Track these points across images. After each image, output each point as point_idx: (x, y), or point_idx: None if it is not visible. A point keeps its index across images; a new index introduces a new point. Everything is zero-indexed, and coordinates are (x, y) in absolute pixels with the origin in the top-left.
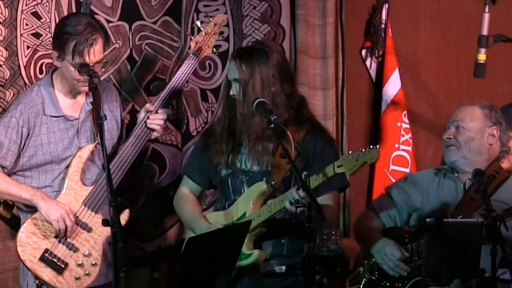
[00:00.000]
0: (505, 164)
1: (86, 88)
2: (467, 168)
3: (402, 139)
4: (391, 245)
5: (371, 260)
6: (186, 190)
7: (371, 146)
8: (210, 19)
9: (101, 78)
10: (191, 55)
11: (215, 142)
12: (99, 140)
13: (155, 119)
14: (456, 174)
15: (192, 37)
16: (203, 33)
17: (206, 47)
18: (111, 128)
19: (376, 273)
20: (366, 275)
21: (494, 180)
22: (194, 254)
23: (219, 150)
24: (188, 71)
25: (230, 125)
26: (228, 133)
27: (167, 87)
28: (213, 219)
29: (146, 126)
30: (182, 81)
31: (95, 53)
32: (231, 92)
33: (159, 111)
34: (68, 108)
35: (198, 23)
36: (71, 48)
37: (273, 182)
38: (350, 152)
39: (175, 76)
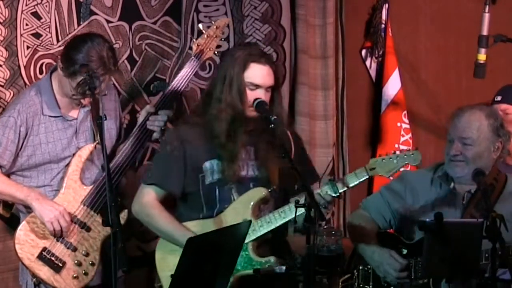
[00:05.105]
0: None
1: (79, 102)
2: (469, 181)
3: (402, 139)
4: (387, 259)
5: (365, 266)
6: (154, 199)
7: (408, 149)
8: (213, 22)
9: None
10: (193, 57)
11: (205, 147)
12: (99, 140)
13: (155, 120)
14: (452, 184)
15: (195, 40)
16: (205, 36)
17: (208, 49)
18: (110, 128)
19: (371, 283)
20: (360, 285)
21: (493, 191)
22: (194, 254)
23: (213, 156)
24: (190, 73)
25: (229, 130)
26: (225, 139)
27: (169, 89)
28: (200, 227)
29: (146, 127)
30: (183, 83)
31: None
32: (261, 98)
33: (160, 112)
34: (67, 108)
35: (200, 26)
36: (77, 80)
37: (273, 187)
38: (380, 155)
39: (177, 78)
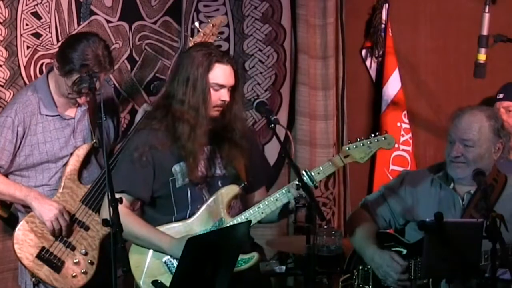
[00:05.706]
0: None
1: (75, 101)
2: (469, 182)
3: (402, 139)
4: (388, 261)
5: (365, 267)
6: (124, 206)
7: (377, 134)
8: (209, 20)
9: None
10: None
11: (172, 151)
12: (97, 140)
13: None
14: (452, 185)
15: (191, 38)
16: (202, 34)
17: None
18: (107, 127)
19: (371, 284)
20: (360, 285)
21: (493, 190)
22: (194, 254)
23: (180, 160)
24: None
25: (195, 133)
26: (187, 140)
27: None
28: (174, 230)
29: None
30: None
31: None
32: (222, 98)
33: None
34: (64, 107)
35: (196, 24)
36: (73, 79)
37: (244, 183)
38: (349, 142)
39: None
